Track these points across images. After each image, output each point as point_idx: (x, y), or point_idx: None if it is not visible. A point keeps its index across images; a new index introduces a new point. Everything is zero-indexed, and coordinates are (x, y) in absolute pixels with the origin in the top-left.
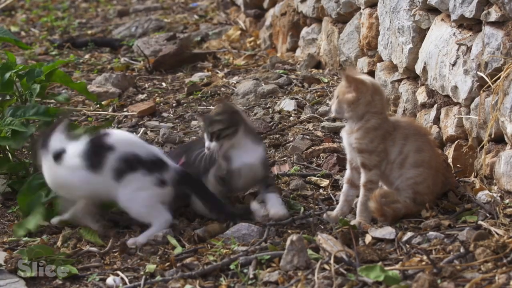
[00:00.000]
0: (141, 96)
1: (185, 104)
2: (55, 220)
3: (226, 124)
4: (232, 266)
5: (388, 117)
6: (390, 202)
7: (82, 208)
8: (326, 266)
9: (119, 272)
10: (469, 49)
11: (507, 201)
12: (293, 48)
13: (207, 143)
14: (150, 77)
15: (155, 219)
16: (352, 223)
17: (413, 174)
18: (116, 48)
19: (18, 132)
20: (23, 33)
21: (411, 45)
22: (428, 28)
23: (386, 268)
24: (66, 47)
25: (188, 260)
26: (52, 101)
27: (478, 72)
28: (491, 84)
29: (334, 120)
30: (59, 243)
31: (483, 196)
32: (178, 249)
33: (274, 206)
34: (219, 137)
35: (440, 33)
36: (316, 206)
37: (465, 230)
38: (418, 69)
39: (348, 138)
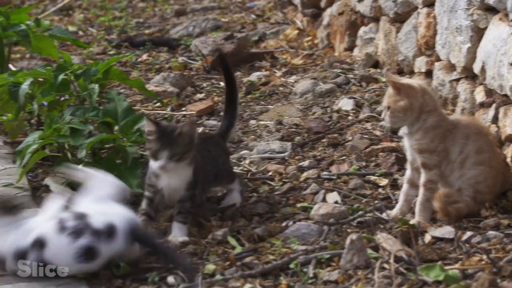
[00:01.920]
0: (199, 96)
1: (243, 104)
2: None
3: (189, 148)
4: (292, 265)
5: (446, 115)
6: (453, 202)
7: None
8: (386, 265)
9: (179, 271)
10: None
11: None
12: (350, 48)
13: (163, 161)
14: (208, 76)
15: None
16: (411, 222)
17: (473, 174)
18: (174, 47)
19: (76, 130)
20: (80, 33)
21: (469, 45)
22: (486, 28)
23: (445, 267)
24: (124, 47)
25: (248, 259)
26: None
27: None
28: None
29: None
30: None
31: None
32: (238, 249)
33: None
34: (179, 159)
35: (498, 32)
36: (375, 205)
37: None
38: (476, 68)
39: (409, 140)
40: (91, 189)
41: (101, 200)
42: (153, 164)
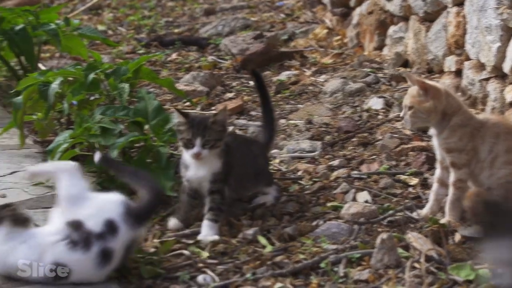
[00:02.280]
0: (229, 95)
1: (273, 103)
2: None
3: (222, 135)
4: (322, 265)
5: (473, 114)
6: None
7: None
8: (416, 265)
9: (208, 271)
10: None
11: None
12: (380, 47)
13: (197, 149)
14: (238, 75)
15: None
16: (441, 221)
17: (504, 173)
18: (203, 46)
19: (107, 129)
20: (110, 32)
21: (499, 44)
22: None
23: (476, 266)
24: (153, 46)
25: (278, 259)
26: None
27: None
28: None
29: None
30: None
31: None
32: (268, 248)
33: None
34: (212, 147)
35: None
36: (405, 204)
37: None
38: (506, 67)
39: (437, 140)
40: (64, 189)
41: (80, 197)
42: (186, 154)
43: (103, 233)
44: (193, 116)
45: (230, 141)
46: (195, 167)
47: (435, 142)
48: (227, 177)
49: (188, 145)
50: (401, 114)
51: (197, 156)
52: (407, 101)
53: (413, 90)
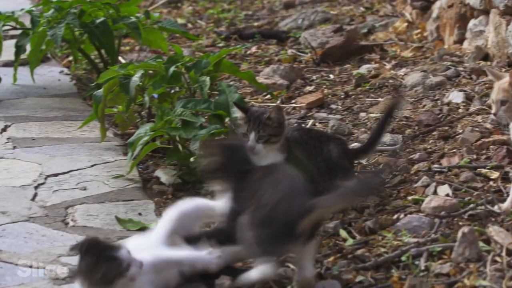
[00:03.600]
0: (309, 88)
1: (353, 96)
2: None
3: (277, 132)
4: (403, 258)
5: None
6: None
7: None
8: (497, 259)
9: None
10: None
11: None
12: (460, 40)
13: (250, 142)
14: (318, 69)
15: None
16: None
17: None
18: (283, 40)
19: (188, 123)
20: (189, 25)
21: None
22: None
23: None
24: (233, 39)
25: (359, 252)
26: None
27: None
28: None
29: None
30: None
31: None
32: (349, 241)
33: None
34: (267, 141)
35: None
36: (486, 198)
37: None
38: None
39: None
40: None
41: None
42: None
43: None
44: (251, 111)
45: (297, 135)
46: (256, 162)
47: None
48: None
49: (245, 139)
50: (493, 110)
51: (251, 150)
52: (499, 95)
53: (504, 84)
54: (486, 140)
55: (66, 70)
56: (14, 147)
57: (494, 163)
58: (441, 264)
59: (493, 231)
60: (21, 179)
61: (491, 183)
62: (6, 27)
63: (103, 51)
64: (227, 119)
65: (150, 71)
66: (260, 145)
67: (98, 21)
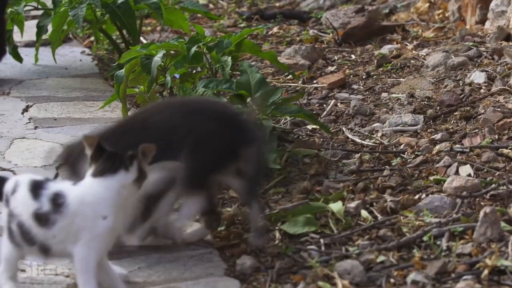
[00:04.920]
0: (330, 68)
1: (375, 76)
2: None
3: None
4: (425, 238)
5: None
6: None
7: None
8: None
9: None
10: None
11: None
12: (482, 21)
13: None
14: (339, 49)
15: None
16: None
17: None
18: (305, 20)
19: None
20: (211, 6)
21: None
22: None
23: None
24: (254, 20)
25: (381, 232)
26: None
27: None
28: None
29: None
30: None
31: None
32: (371, 221)
33: None
34: None
35: None
36: (508, 178)
37: None
38: None
39: None
40: None
41: None
42: None
43: None
44: None
45: None
46: None
47: None
48: None
49: None
50: None
51: None
52: None
53: None
54: (508, 120)
55: (87, 51)
56: (36, 128)
57: None
58: (463, 244)
59: None
60: (42, 159)
61: None
62: (27, 8)
63: (124, 31)
64: (248, 99)
65: (172, 51)
66: None
67: (119, 1)
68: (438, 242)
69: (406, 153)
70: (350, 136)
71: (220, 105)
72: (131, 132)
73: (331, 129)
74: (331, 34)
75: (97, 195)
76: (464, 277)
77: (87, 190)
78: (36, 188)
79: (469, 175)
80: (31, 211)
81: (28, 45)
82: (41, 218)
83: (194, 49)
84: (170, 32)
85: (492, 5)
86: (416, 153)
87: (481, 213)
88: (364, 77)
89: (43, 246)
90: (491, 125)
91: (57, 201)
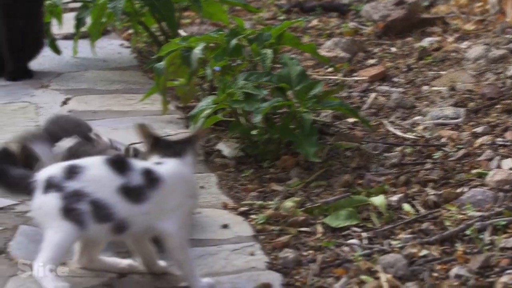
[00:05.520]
0: (370, 61)
1: (415, 69)
2: None
3: None
4: (468, 232)
5: None
6: None
7: None
8: None
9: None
10: None
11: None
12: None
13: None
14: (379, 42)
15: None
16: None
17: None
18: (344, 13)
19: (250, 95)
20: None
21: None
22: None
23: None
24: (294, 12)
25: (424, 226)
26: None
27: None
28: None
29: None
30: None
31: None
32: (413, 215)
33: None
34: None
35: None
36: None
37: None
38: None
39: None
40: None
41: None
42: None
43: None
44: None
45: None
46: None
47: None
48: None
49: None
50: None
51: None
52: None
53: None
54: None
55: (126, 43)
56: None
57: None
58: (506, 238)
59: None
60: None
61: None
62: (66, 0)
63: (163, 24)
64: (289, 92)
65: (212, 44)
66: None
67: None
68: (481, 236)
69: (447, 146)
70: (391, 129)
71: None
72: None
73: (371, 122)
74: (370, 27)
75: (189, 174)
76: (508, 271)
77: (181, 168)
78: (118, 164)
79: (511, 168)
80: (114, 186)
81: (66, 37)
82: (132, 193)
83: (234, 41)
84: (209, 24)
85: None
86: (458, 146)
87: None
88: (404, 70)
89: (121, 223)
90: None
91: (151, 176)
